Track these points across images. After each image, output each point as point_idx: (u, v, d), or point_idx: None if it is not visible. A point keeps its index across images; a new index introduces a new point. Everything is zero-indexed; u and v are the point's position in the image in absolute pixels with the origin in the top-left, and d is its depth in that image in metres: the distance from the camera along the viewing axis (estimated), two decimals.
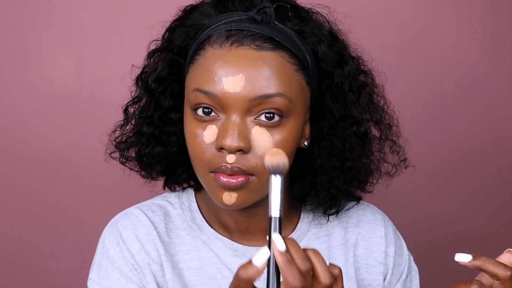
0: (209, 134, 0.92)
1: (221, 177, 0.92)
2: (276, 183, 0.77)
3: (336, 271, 0.80)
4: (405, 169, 1.09)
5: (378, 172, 1.08)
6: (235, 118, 0.91)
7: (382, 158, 1.07)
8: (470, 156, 1.74)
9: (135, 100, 1.05)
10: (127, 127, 1.07)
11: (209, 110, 0.92)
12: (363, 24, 1.50)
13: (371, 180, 1.08)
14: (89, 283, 1.02)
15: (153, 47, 1.04)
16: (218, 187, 0.93)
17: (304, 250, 0.78)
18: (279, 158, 0.80)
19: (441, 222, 1.76)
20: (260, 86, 0.90)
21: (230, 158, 0.91)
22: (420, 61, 1.71)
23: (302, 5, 1.02)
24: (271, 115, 0.91)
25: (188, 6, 1.02)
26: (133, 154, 1.07)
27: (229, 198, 0.93)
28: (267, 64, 0.91)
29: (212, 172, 0.93)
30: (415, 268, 1.15)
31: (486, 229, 1.77)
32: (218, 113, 0.92)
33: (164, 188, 1.11)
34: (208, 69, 0.92)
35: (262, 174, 0.91)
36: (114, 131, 1.08)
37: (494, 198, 1.77)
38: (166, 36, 1.02)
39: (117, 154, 1.09)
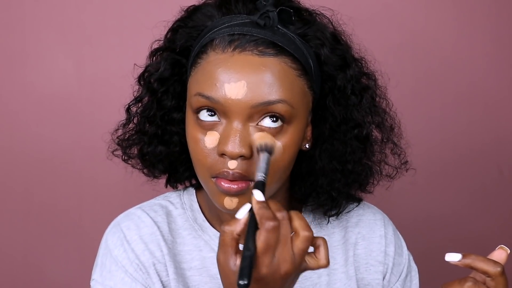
0: (211, 139, 0.92)
1: (222, 183, 0.92)
2: (262, 157, 0.88)
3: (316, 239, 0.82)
4: (406, 172, 1.09)
5: (379, 174, 1.08)
6: (236, 124, 0.90)
7: (383, 160, 1.07)
8: (470, 156, 1.74)
9: (137, 100, 1.06)
10: (130, 125, 1.07)
11: (212, 113, 0.92)
12: (363, 24, 1.50)
13: (371, 181, 1.08)
14: (92, 283, 1.02)
15: (155, 47, 1.04)
16: (219, 192, 0.93)
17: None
18: (266, 139, 0.91)
19: (441, 222, 1.76)
20: (262, 92, 0.90)
21: (232, 164, 0.90)
22: (420, 61, 1.71)
23: (306, 6, 1.01)
24: (274, 118, 0.91)
25: (190, 6, 1.02)
26: (136, 152, 1.08)
27: (230, 203, 0.93)
28: (269, 70, 0.90)
29: (213, 177, 0.93)
30: (414, 267, 1.15)
31: (486, 229, 1.77)
32: (220, 118, 0.92)
33: (166, 187, 1.11)
34: (210, 74, 0.92)
35: None
36: (116, 130, 1.09)
37: (494, 198, 1.77)
38: (168, 36, 1.02)
39: (119, 152, 1.09)
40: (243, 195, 0.92)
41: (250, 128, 0.91)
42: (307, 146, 1.00)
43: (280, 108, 0.90)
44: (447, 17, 1.71)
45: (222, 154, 0.91)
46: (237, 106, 0.90)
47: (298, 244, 0.79)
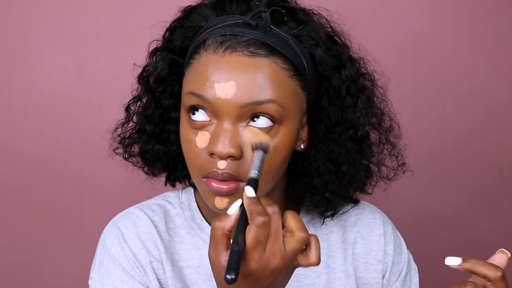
0: (202, 139, 0.93)
1: (212, 183, 0.92)
2: (256, 155, 0.88)
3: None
4: (403, 174, 1.09)
5: (378, 175, 1.07)
6: (226, 124, 0.91)
7: (381, 162, 1.07)
8: (470, 156, 1.74)
9: (136, 99, 1.06)
10: (130, 124, 1.08)
11: (204, 113, 0.92)
12: (362, 24, 1.51)
13: (369, 183, 1.08)
14: (90, 282, 1.03)
15: (153, 46, 1.04)
16: (210, 192, 0.93)
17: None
18: (261, 137, 0.91)
19: (441, 221, 1.76)
20: (251, 93, 0.90)
21: (221, 164, 0.91)
22: (420, 61, 1.71)
23: (303, 6, 1.01)
24: (262, 119, 0.91)
25: (187, 6, 1.02)
26: (137, 150, 1.09)
27: (221, 203, 0.93)
28: (259, 71, 0.91)
29: (204, 177, 0.93)
30: (414, 266, 1.15)
31: (486, 229, 1.77)
32: (211, 118, 0.92)
33: (166, 185, 1.12)
34: (201, 73, 0.92)
35: None
36: (116, 129, 1.09)
37: (494, 198, 1.77)
38: (166, 36, 1.03)
39: (120, 150, 1.10)
40: (234, 195, 0.92)
41: (240, 129, 0.91)
42: (302, 147, 1.00)
43: (269, 108, 0.90)
44: (447, 18, 1.71)
45: (211, 154, 0.91)
46: (227, 106, 0.90)
47: (292, 243, 0.78)
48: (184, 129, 0.95)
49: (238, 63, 0.91)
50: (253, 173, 0.84)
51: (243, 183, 0.92)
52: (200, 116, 0.92)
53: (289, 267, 0.80)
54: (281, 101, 0.91)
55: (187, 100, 0.93)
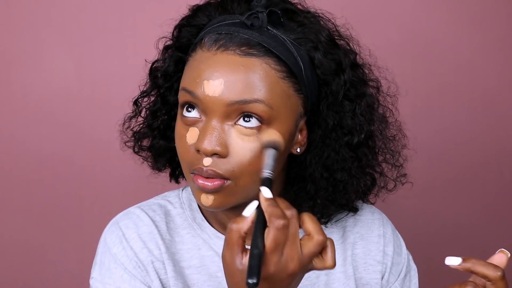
0: (191, 135, 0.93)
1: (198, 180, 0.93)
2: (268, 154, 0.88)
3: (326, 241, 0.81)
4: (402, 185, 1.09)
5: (380, 185, 1.07)
6: (214, 122, 0.91)
7: (381, 172, 1.06)
8: (470, 157, 1.75)
9: (143, 93, 1.08)
10: (139, 119, 1.09)
11: (196, 109, 0.93)
12: (362, 24, 1.50)
13: (371, 192, 1.07)
14: (91, 281, 1.03)
15: (161, 43, 1.06)
16: (196, 189, 0.94)
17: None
18: (272, 136, 0.91)
19: (440, 222, 1.76)
20: (238, 91, 0.90)
21: (206, 161, 0.91)
22: (420, 62, 1.71)
23: (308, 9, 1.01)
24: (249, 119, 0.91)
25: (195, 5, 1.03)
26: (147, 144, 1.10)
27: (206, 199, 0.94)
28: (250, 70, 0.91)
29: (192, 173, 0.94)
30: (414, 267, 1.15)
31: (486, 229, 1.77)
32: (201, 115, 0.93)
33: (170, 180, 1.13)
34: (194, 70, 0.93)
35: (239, 179, 0.92)
36: (124, 123, 1.10)
37: (494, 199, 1.77)
38: (174, 34, 1.04)
39: (130, 144, 1.11)
40: (218, 193, 0.93)
41: (226, 127, 0.92)
42: (299, 151, 1.00)
43: (256, 108, 0.90)
44: (447, 18, 1.71)
45: (198, 151, 0.92)
46: (214, 104, 0.91)
47: (310, 246, 0.79)
48: (178, 125, 0.96)
49: (229, 62, 0.91)
50: (267, 173, 0.83)
51: (229, 181, 0.92)
52: (191, 112, 0.93)
53: (304, 270, 0.80)
54: (270, 102, 0.91)
55: (180, 96, 0.95)
